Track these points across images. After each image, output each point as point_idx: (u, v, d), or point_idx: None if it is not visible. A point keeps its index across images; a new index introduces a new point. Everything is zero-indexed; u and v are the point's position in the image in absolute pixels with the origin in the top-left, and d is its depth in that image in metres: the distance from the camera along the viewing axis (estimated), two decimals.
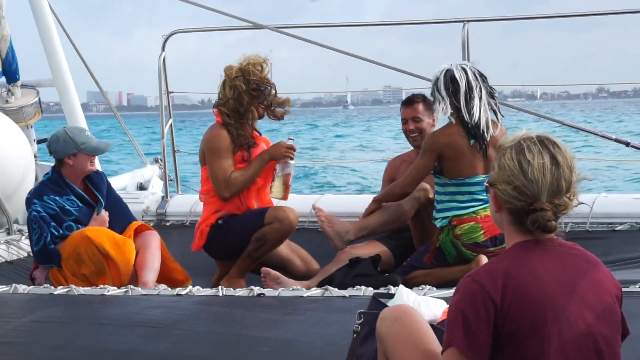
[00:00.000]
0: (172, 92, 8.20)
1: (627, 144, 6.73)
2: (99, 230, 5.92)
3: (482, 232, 5.63)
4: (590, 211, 6.52)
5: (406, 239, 6.27)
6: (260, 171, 6.12)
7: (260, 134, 6.35)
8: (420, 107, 6.34)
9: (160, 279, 5.94)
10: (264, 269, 5.83)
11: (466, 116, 5.63)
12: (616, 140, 6.84)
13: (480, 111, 5.62)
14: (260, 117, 6.24)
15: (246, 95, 6.11)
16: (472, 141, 5.67)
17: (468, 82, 5.61)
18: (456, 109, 5.66)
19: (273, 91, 6.19)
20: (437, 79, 5.67)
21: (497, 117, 5.77)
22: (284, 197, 6.18)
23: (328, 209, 7.29)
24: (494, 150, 5.64)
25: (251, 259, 6.04)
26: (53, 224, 5.91)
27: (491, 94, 5.70)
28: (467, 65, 5.70)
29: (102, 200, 6.14)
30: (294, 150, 6.16)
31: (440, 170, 5.75)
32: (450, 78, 5.64)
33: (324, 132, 49.53)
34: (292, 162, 6.15)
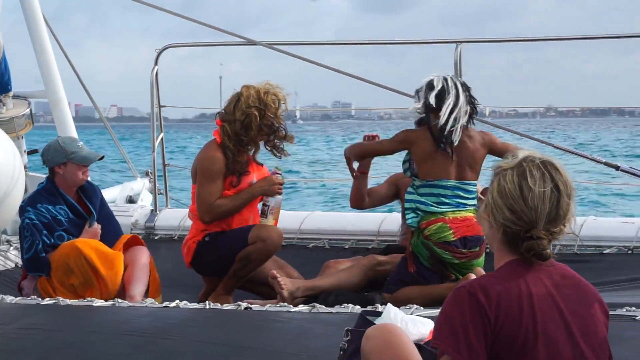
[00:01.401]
0: (164, 106, 8.19)
1: (617, 168, 6.78)
2: (89, 242, 5.90)
3: (451, 231, 5.66)
4: (579, 234, 6.55)
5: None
6: (247, 204, 6.07)
7: (261, 165, 6.24)
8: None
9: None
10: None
11: (437, 119, 5.66)
12: (606, 164, 6.89)
13: (449, 116, 5.65)
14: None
15: (255, 127, 6.01)
16: (440, 146, 5.70)
17: (443, 88, 5.67)
18: (427, 112, 5.73)
19: (283, 132, 6.10)
20: (421, 86, 5.76)
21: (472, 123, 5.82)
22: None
23: (316, 226, 7.32)
24: (464, 157, 5.73)
25: (236, 277, 6.02)
26: (45, 232, 5.91)
27: (472, 103, 5.75)
28: (449, 75, 5.79)
29: (94, 213, 6.13)
30: (282, 185, 6.10)
31: (416, 173, 5.79)
32: (428, 84, 5.72)
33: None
34: (280, 197, 6.11)
